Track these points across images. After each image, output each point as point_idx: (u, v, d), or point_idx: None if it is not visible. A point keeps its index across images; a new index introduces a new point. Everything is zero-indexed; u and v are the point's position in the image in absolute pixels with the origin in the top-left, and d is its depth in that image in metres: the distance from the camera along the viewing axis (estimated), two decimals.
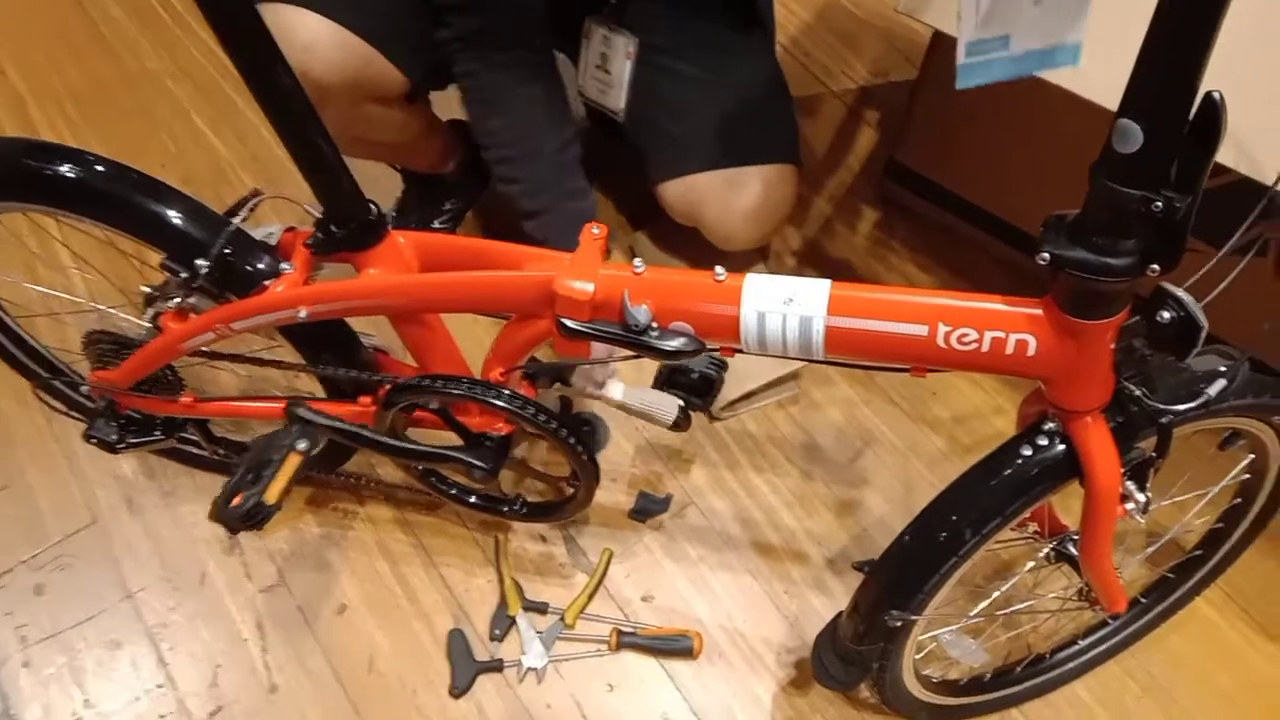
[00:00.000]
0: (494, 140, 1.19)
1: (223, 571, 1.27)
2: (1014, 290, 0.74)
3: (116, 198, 0.92)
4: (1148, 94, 0.58)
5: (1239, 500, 1.03)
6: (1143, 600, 1.15)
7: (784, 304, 0.77)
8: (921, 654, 1.10)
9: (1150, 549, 1.07)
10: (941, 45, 1.38)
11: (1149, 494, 0.85)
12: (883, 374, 1.43)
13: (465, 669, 1.20)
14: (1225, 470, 1.01)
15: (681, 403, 1.02)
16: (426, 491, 1.17)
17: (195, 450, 1.24)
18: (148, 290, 0.92)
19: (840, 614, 1.01)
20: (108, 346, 1.04)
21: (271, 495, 0.94)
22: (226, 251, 0.89)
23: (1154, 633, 1.18)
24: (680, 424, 1.03)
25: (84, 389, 1.10)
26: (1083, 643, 1.18)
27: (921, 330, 0.75)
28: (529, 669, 1.20)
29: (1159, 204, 0.61)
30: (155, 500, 1.32)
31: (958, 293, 0.75)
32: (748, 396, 1.39)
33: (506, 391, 0.93)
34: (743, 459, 1.37)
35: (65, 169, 0.90)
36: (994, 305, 0.73)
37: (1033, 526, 1.04)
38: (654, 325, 0.81)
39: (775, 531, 1.31)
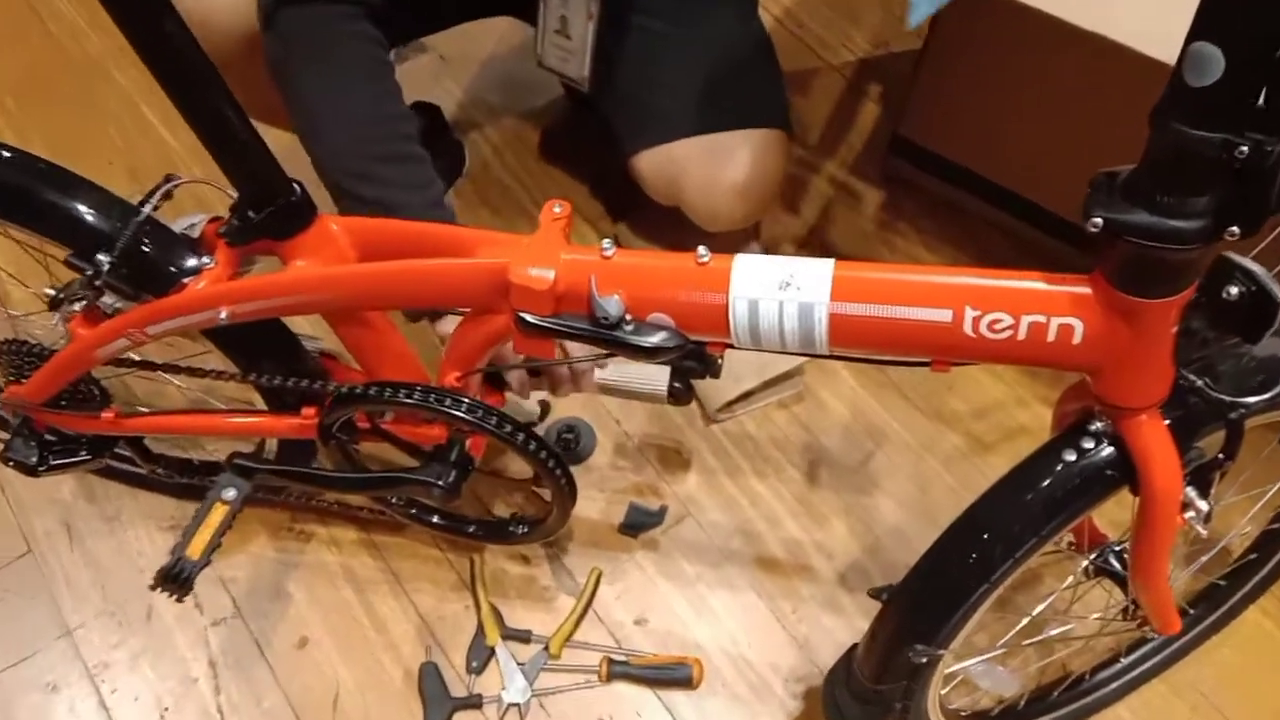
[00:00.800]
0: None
1: (171, 604, 1.15)
2: (1031, 270, 0.62)
3: (12, 188, 0.80)
4: (1230, 8, 0.46)
5: None
6: (1190, 611, 1.03)
7: (780, 289, 0.65)
8: (949, 687, 0.98)
9: (1202, 558, 0.95)
10: (946, 10, 1.26)
11: (1213, 501, 0.73)
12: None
13: (439, 706, 1.08)
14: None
15: (668, 369, 0.88)
16: (386, 515, 1.05)
17: (134, 469, 1.13)
18: (52, 292, 0.80)
19: (855, 646, 0.89)
20: (20, 358, 0.93)
21: (194, 550, 0.83)
22: (136, 244, 0.77)
23: (1203, 647, 1.06)
24: (679, 395, 0.89)
25: None
26: (1125, 661, 1.06)
27: (945, 316, 0.63)
28: (510, 705, 1.08)
29: (1244, 149, 0.49)
30: (96, 526, 1.20)
31: (987, 270, 0.63)
32: (746, 396, 1.27)
33: (465, 400, 0.81)
34: (743, 464, 1.25)
35: None
36: (1032, 284, 0.61)
37: (1068, 538, 0.92)
38: (628, 318, 0.69)
39: (780, 544, 1.19)
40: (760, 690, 1.10)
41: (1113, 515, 0.93)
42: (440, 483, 0.87)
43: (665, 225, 1.30)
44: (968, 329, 0.63)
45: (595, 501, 1.22)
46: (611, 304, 0.68)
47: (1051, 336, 0.61)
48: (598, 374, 0.96)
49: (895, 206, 1.45)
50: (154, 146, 1.52)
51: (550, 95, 1.54)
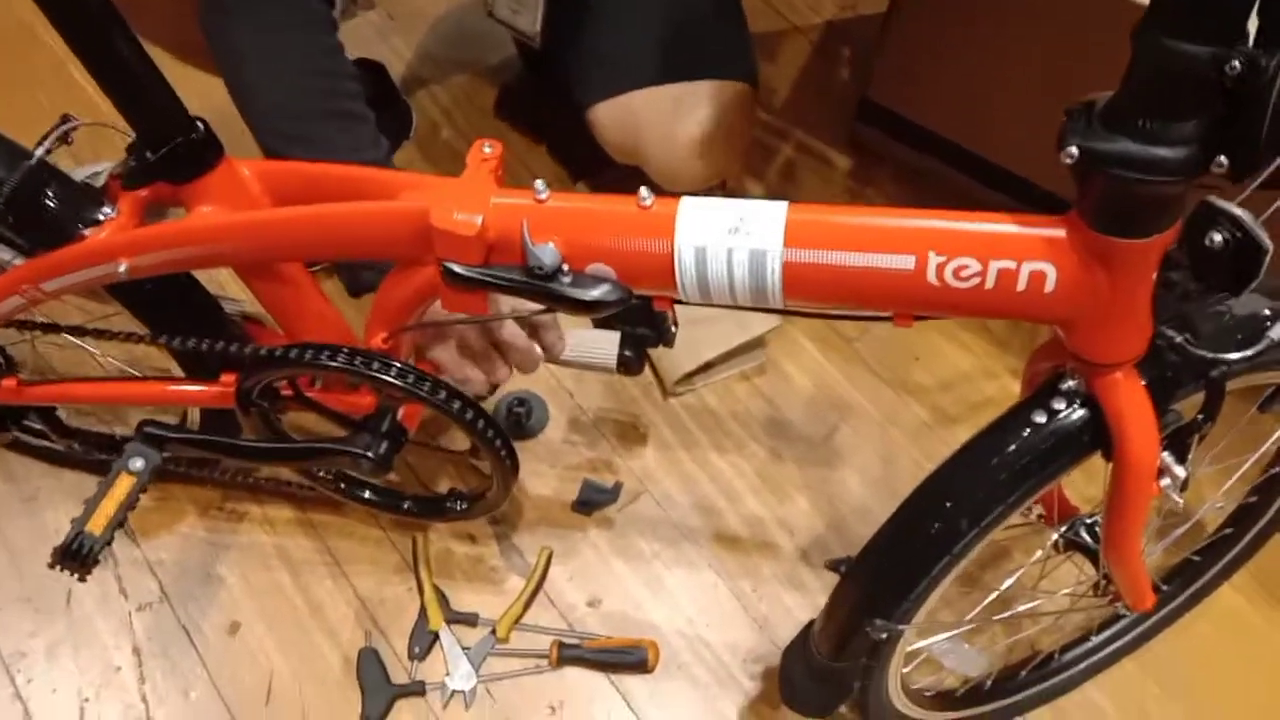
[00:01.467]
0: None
1: (93, 588, 1.08)
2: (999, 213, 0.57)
3: None
4: None
5: (1277, 470, 0.86)
6: (1163, 588, 0.99)
7: (729, 234, 0.59)
8: (911, 665, 0.94)
9: (1176, 532, 0.91)
10: None
11: (1190, 468, 0.68)
12: (860, 338, 1.26)
13: (379, 694, 1.02)
14: (1263, 435, 0.85)
15: (618, 336, 0.82)
16: (315, 489, 0.98)
17: (52, 445, 1.05)
18: None
19: (811, 623, 0.84)
20: None
21: (96, 524, 0.76)
22: (26, 191, 0.70)
23: (1175, 625, 1.02)
24: (629, 365, 0.82)
25: None
26: (1095, 639, 1.02)
27: (907, 263, 0.57)
28: (454, 692, 1.02)
29: (1236, 63, 0.44)
30: (13, 507, 1.12)
31: (952, 212, 0.57)
32: (706, 369, 1.21)
33: (395, 364, 0.75)
34: (702, 438, 1.19)
35: None
36: (1001, 227, 0.56)
37: (1037, 510, 0.87)
38: (565, 268, 0.63)
39: (741, 521, 1.14)
40: (718, 673, 1.05)
41: (1082, 489, 0.89)
42: (369, 454, 0.81)
43: (627, 190, 1.24)
44: (931, 277, 0.57)
45: (547, 478, 1.16)
46: (546, 252, 0.62)
47: (1022, 285, 0.56)
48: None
49: (863, 173, 1.40)
50: (84, 109, 1.42)
51: (504, 53, 1.47)
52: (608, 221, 0.61)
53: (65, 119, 0.72)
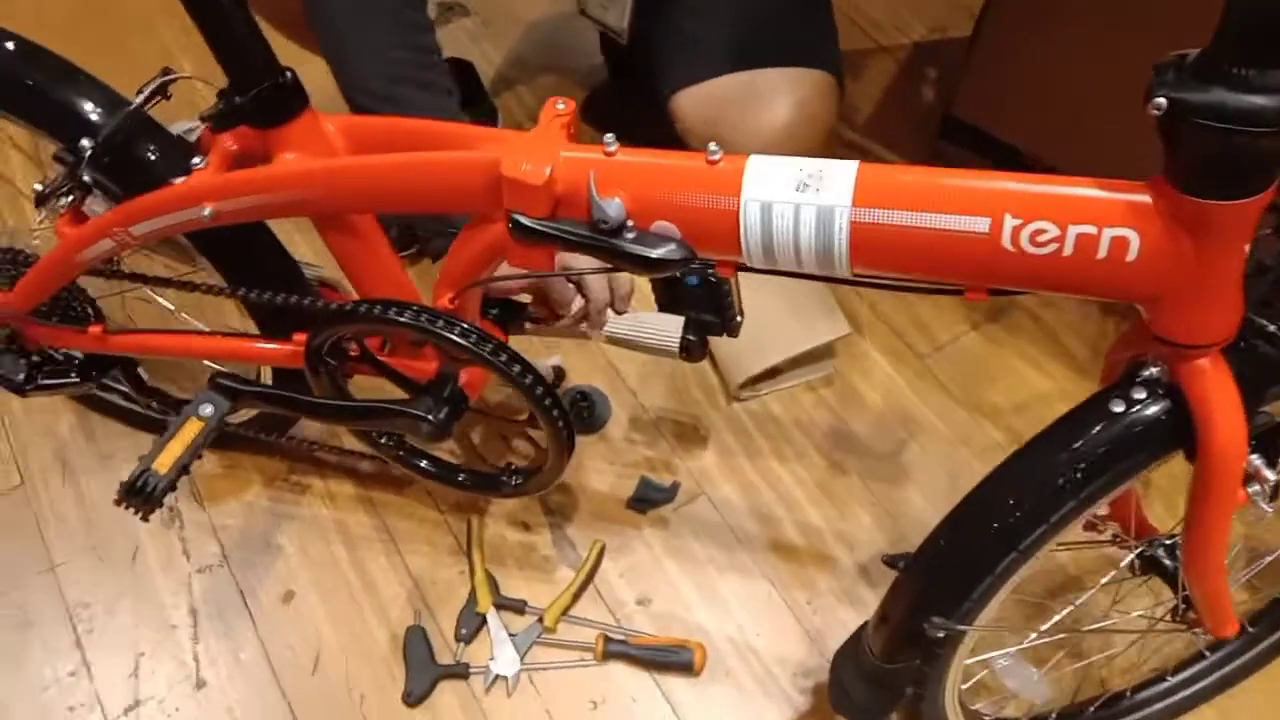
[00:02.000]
0: None
1: (158, 547, 1.11)
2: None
3: (13, 77, 0.77)
4: None
5: None
6: (1249, 630, 0.92)
7: (797, 190, 0.58)
8: (969, 683, 0.89)
9: (1265, 559, 0.85)
10: None
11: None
12: (933, 355, 1.23)
13: (423, 673, 1.02)
14: None
15: (681, 321, 0.80)
16: (376, 455, 0.99)
17: (126, 403, 1.09)
18: (39, 188, 0.76)
19: (866, 624, 0.81)
20: (15, 268, 0.89)
21: (162, 464, 0.78)
22: (122, 136, 0.73)
23: (1262, 671, 0.95)
24: (691, 350, 0.80)
25: None
26: (1172, 680, 0.95)
27: (981, 225, 0.55)
28: (497, 676, 1.01)
29: None
30: (91, 464, 1.16)
31: (1030, 175, 0.55)
32: (772, 376, 1.20)
33: (460, 323, 0.75)
34: (764, 445, 1.17)
35: None
36: (1082, 191, 0.54)
37: (1113, 528, 0.83)
38: (630, 224, 0.63)
39: (799, 531, 1.11)
40: (766, 683, 1.02)
41: (1160, 514, 0.84)
42: (430, 417, 0.81)
43: None
44: (1006, 242, 0.55)
45: (605, 473, 1.15)
46: (612, 206, 0.62)
47: (1102, 252, 0.54)
48: (609, 323, 0.90)
49: None
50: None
51: (591, 61, 1.50)
52: (674, 176, 0.61)
53: (165, 71, 0.75)
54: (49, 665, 1.04)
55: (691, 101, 1.07)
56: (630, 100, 1.39)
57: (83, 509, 1.13)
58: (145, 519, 0.82)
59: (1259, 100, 0.46)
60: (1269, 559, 0.85)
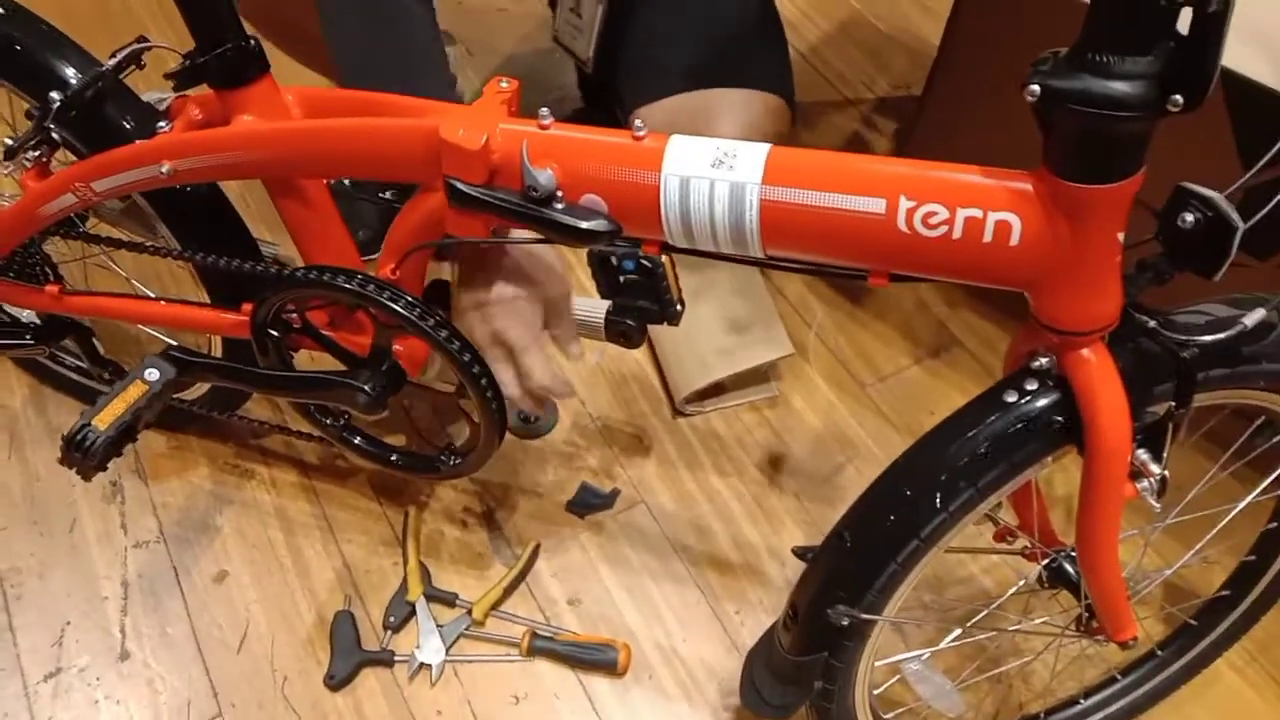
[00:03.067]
0: None
1: (96, 520, 1.12)
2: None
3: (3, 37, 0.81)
4: None
5: (1275, 525, 0.83)
6: (1159, 653, 0.94)
7: (712, 167, 0.62)
8: (881, 689, 0.91)
9: (1159, 576, 0.87)
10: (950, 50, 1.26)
11: (1166, 468, 0.67)
12: (875, 385, 1.26)
13: (347, 657, 1.02)
14: (1253, 483, 0.82)
15: (610, 304, 0.82)
16: (317, 434, 1.01)
17: (79, 377, 1.11)
18: (9, 141, 0.80)
19: (776, 623, 0.82)
20: None
21: (103, 420, 0.80)
22: (91, 94, 0.77)
23: (1171, 698, 0.97)
24: (628, 334, 0.79)
25: None
26: (1085, 703, 0.97)
27: (878, 206, 0.59)
28: (422, 665, 1.02)
29: None
30: (40, 436, 1.18)
31: (925, 161, 0.60)
32: (718, 392, 1.23)
33: (406, 295, 0.79)
34: (705, 459, 1.20)
35: None
36: (970, 176, 0.58)
37: (1022, 539, 0.85)
38: (560, 195, 0.67)
39: (733, 545, 1.13)
40: (688, 687, 1.03)
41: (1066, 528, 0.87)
42: (367, 388, 0.83)
43: None
44: (901, 223, 0.59)
45: (546, 476, 1.17)
46: (543, 176, 0.66)
47: (988, 236, 0.58)
48: None
49: None
50: None
51: (567, 90, 1.55)
52: (602, 151, 0.65)
53: (140, 39, 0.79)
54: None
55: (647, 119, 1.12)
56: (601, 122, 1.45)
57: (27, 479, 1.14)
58: (86, 478, 0.83)
59: (1121, 86, 0.50)
60: (1165, 574, 0.88)
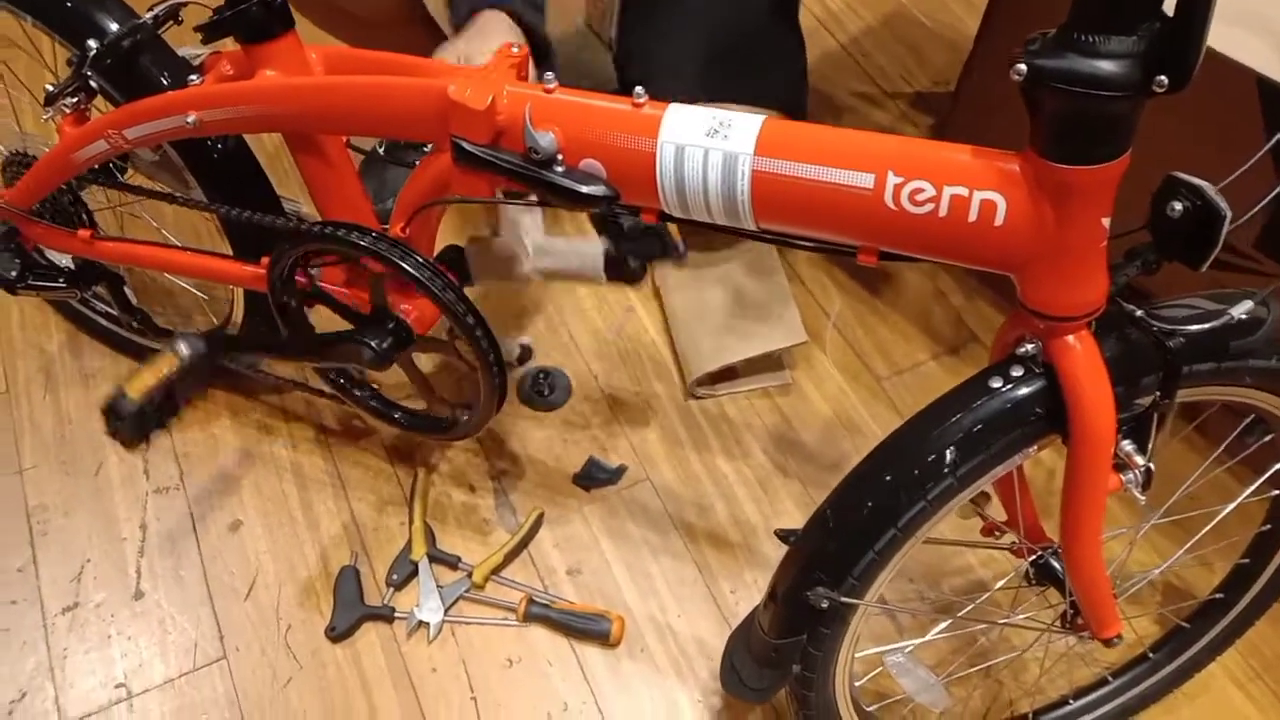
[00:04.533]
0: None
1: (121, 465, 1.16)
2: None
3: None
4: None
5: (1268, 527, 0.82)
6: (1151, 656, 0.93)
7: (707, 136, 0.63)
8: (862, 680, 0.91)
9: (1148, 574, 0.86)
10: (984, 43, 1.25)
11: (1152, 461, 0.67)
12: (890, 378, 1.26)
13: (349, 611, 1.05)
14: (1246, 482, 0.81)
15: (607, 247, 0.82)
16: (331, 393, 1.04)
17: (110, 324, 1.16)
18: (50, 88, 0.84)
19: (757, 607, 0.83)
20: (22, 169, 0.96)
21: (134, 390, 0.84)
22: (128, 44, 0.80)
23: (1163, 701, 0.96)
24: (624, 270, 0.80)
25: None
26: (1075, 704, 0.96)
27: (867, 181, 0.60)
28: (420, 623, 1.05)
29: None
30: (73, 379, 1.22)
31: (914, 139, 0.60)
32: (730, 377, 1.23)
33: (420, 258, 0.81)
34: (713, 441, 1.21)
35: None
36: (957, 155, 0.58)
37: (1010, 535, 0.85)
38: (560, 159, 0.68)
39: (734, 524, 1.14)
40: (679, 662, 1.04)
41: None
42: (372, 344, 0.86)
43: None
44: (889, 199, 0.60)
45: (555, 449, 1.19)
46: (545, 139, 0.67)
47: (973, 215, 0.58)
48: (536, 260, 0.91)
49: None
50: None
51: (605, 78, 1.56)
52: (602, 116, 0.66)
53: None
54: (0, 558, 1.09)
55: None
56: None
57: (58, 421, 1.19)
58: (127, 448, 0.88)
59: (1107, 66, 0.50)
60: (1155, 571, 0.87)
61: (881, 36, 1.69)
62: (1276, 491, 0.82)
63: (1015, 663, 1.00)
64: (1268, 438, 0.78)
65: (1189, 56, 0.48)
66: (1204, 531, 0.80)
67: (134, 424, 0.88)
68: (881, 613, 1.02)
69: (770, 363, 1.24)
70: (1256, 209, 0.63)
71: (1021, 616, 0.84)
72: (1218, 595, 0.88)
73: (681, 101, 1.05)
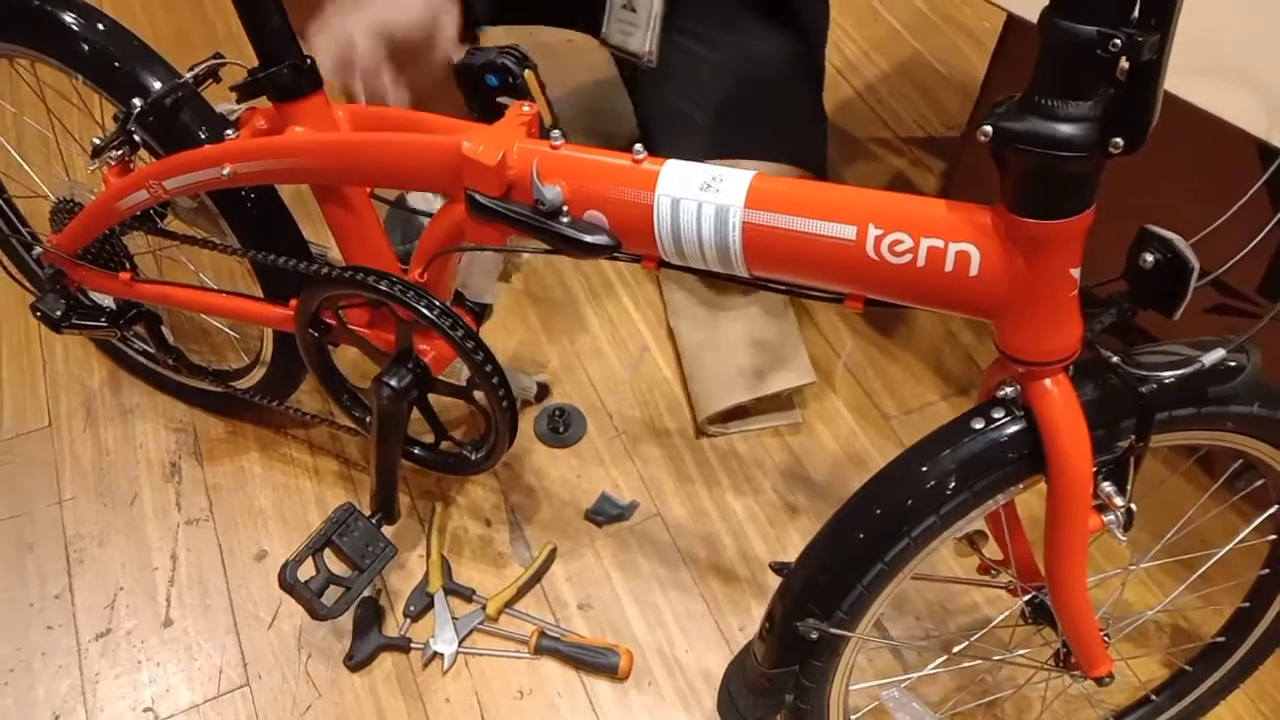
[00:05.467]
0: None
1: (155, 497, 1.21)
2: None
3: (99, 51, 0.91)
4: None
5: (1267, 571, 0.83)
6: (1154, 698, 0.94)
7: (701, 190, 0.67)
8: (860, 713, 0.92)
9: (1138, 618, 0.87)
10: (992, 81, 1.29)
11: (1131, 501, 0.69)
12: (899, 417, 1.28)
13: (367, 641, 1.08)
14: (1238, 527, 0.82)
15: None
16: (356, 430, 1.08)
17: (148, 361, 1.21)
18: (97, 141, 0.90)
19: (753, 638, 0.85)
20: (69, 216, 1.03)
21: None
22: (169, 102, 0.86)
23: None
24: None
25: (35, 253, 1.08)
26: None
27: (849, 233, 0.63)
28: (435, 654, 1.08)
29: (1118, 42, 0.49)
30: (113, 414, 1.28)
31: (894, 193, 0.64)
32: (742, 415, 1.26)
33: (438, 303, 0.85)
34: (724, 478, 1.23)
35: (68, 20, 0.91)
36: (933, 209, 0.62)
37: (1007, 576, 0.87)
38: (565, 210, 0.72)
39: (742, 560, 1.16)
40: (687, 697, 1.06)
41: None
42: (393, 384, 0.90)
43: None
44: (870, 249, 0.63)
45: (569, 485, 1.22)
46: (551, 192, 0.72)
47: (949, 265, 0.61)
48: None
49: None
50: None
51: (626, 134, 1.62)
52: (604, 171, 0.71)
53: (217, 55, 0.89)
54: (39, 585, 1.14)
55: None
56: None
57: (97, 454, 1.25)
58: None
59: (1065, 128, 0.53)
60: (1142, 617, 0.88)
61: (896, 82, 1.73)
62: (1274, 535, 0.84)
63: (1019, 701, 1.01)
64: (1258, 483, 0.79)
65: (1143, 119, 0.51)
66: (1200, 572, 0.82)
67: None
68: (880, 647, 1.04)
69: (780, 402, 1.27)
70: (1241, 255, 0.65)
71: (1022, 654, 0.86)
72: (1219, 639, 0.88)
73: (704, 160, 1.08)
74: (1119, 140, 0.53)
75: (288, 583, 0.95)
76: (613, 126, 1.63)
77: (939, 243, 0.61)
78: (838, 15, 1.78)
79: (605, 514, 1.19)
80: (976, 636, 0.88)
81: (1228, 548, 0.80)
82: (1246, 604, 0.86)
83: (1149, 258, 0.60)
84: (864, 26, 1.82)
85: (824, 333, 1.37)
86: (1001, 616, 0.87)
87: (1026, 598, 0.85)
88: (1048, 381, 0.64)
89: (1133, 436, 0.65)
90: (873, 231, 0.63)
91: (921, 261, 0.62)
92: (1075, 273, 0.60)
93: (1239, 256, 0.67)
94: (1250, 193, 0.67)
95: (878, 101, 1.70)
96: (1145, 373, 0.64)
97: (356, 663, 1.07)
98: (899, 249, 0.62)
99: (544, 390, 1.30)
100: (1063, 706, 1.01)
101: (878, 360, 1.35)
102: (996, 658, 0.91)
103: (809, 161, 1.21)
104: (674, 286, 1.34)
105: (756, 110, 1.19)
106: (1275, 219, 0.68)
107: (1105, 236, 0.62)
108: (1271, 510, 0.81)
